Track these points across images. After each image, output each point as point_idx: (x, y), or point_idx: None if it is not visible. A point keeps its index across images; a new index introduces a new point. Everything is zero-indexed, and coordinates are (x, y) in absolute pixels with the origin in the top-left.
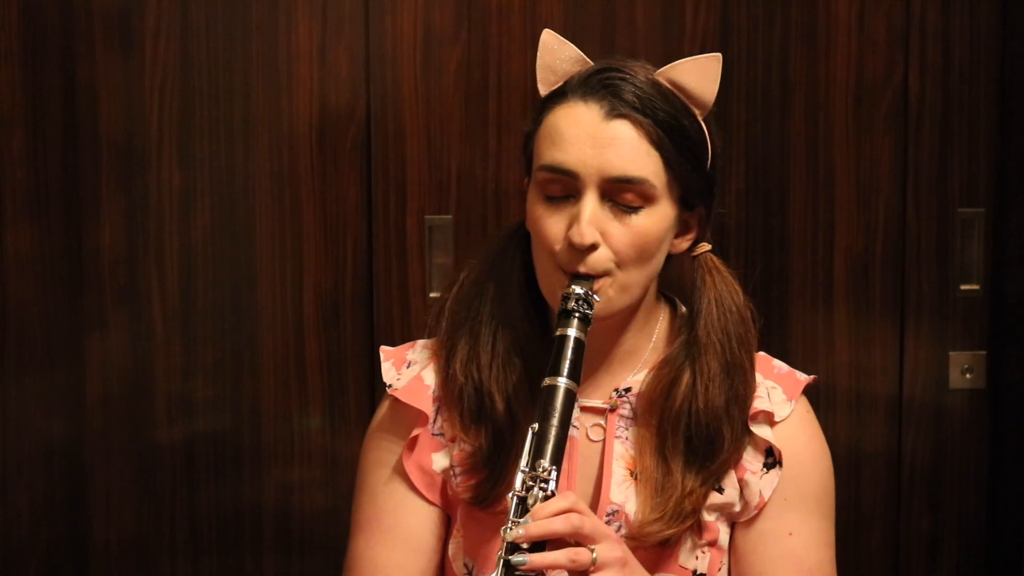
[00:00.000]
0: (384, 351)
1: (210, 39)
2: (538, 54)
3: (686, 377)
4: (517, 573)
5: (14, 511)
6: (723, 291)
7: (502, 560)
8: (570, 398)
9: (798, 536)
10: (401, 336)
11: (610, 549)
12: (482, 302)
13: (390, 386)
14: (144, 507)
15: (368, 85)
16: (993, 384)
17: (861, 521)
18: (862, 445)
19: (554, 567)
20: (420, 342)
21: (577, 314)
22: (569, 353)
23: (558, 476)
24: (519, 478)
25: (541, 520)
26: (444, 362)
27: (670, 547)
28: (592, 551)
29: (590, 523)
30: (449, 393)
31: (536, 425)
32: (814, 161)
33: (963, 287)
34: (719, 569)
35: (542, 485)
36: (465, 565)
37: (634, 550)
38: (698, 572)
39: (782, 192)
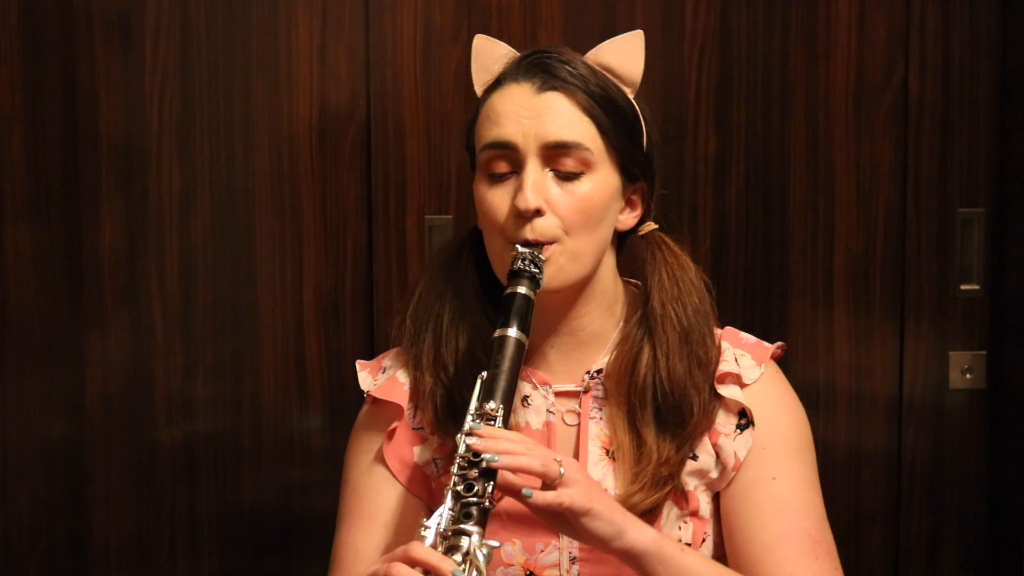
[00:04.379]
0: (360, 363)
1: (210, 39)
2: (472, 59)
3: (646, 351)
4: (471, 498)
5: (14, 511)
6: (673, 264)
7: (462, 462)
8: (519, 348)
9: (782, 479)
10: None
11: (574, 468)
12: (441, 305)
13: (367, 391)
14: (144, 507)
15: (368, 85)
16: (993, 384)
17: (861, 521)
18: (862, 445)
19: (525, 470)
20: (394, 350)
21: (525, 273)
22: (517, 308)
23: (506, 416)
24: (468, 419)
25: (496, 435)
26: (412, 366)
27: (653, 516)
28: (559, 463)
29: (544, 448)
30: (421, 394)
31: (484, 373)
32: (814, 161)
33: (963, 287)
34: (703, 540)
35: (489, 423)
36: None
37: None
38: (683, 541)
39: (782, 192)
